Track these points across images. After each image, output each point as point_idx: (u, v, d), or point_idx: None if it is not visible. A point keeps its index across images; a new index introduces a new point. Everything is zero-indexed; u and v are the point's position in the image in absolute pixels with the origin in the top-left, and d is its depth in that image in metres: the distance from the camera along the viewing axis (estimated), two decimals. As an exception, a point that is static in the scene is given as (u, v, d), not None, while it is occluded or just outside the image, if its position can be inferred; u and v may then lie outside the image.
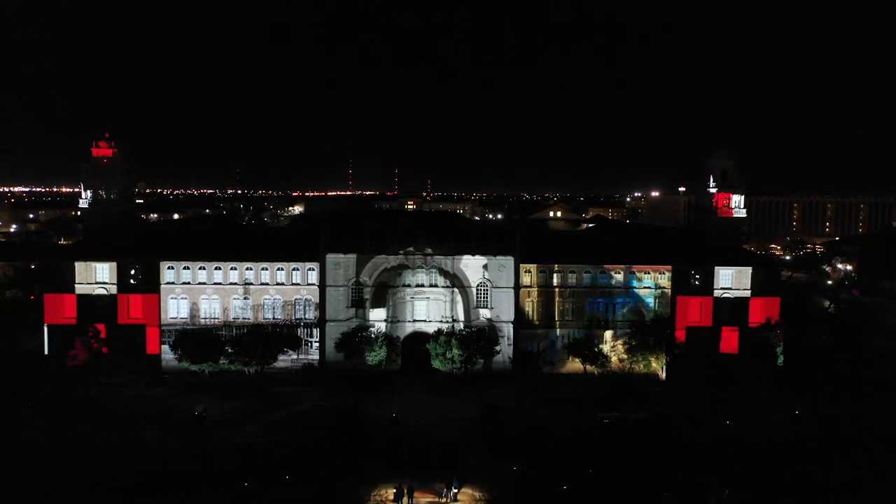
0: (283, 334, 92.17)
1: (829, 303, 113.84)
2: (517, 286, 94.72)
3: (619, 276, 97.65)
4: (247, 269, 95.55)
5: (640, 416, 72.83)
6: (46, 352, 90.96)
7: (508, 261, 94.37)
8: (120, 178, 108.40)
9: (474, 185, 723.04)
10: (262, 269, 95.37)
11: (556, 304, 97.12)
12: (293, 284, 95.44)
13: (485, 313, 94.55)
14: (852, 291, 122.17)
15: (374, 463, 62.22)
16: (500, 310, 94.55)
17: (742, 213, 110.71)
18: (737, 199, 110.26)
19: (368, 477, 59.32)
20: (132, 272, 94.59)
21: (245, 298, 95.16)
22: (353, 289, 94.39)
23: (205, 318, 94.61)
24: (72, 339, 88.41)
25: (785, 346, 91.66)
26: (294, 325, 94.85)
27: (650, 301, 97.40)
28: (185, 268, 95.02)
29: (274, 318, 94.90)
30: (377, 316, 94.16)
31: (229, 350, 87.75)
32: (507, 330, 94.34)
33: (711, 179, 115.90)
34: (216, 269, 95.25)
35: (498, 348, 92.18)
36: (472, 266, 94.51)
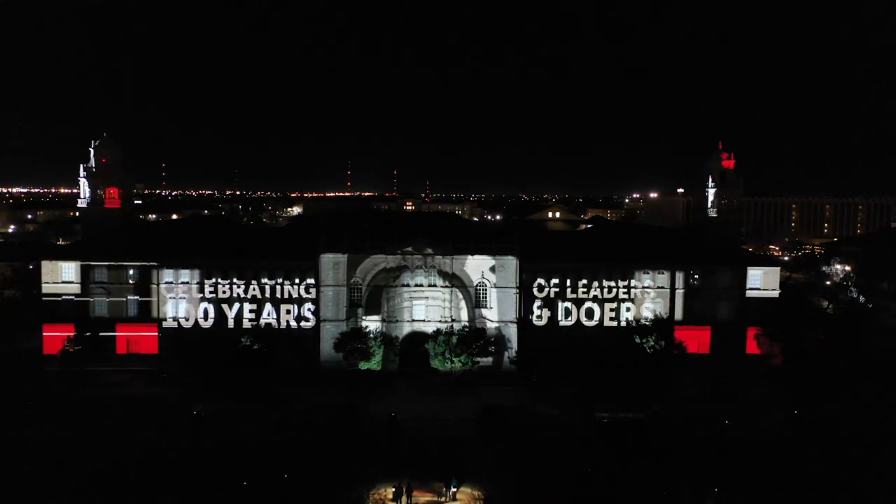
0: (282, 334, 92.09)
1: (827, 303, 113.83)
2: (519, 286, 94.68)
3: (618, 276, 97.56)
4: (246, 268, 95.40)
5: (638, 416, 72.82)
6: (44, 352, 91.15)
7: (509, 261, 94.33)
8: (119, 178, 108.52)
9: (473, 186, 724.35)
10: (262, 268, 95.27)
11: (557, 304, 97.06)
12: (292, 284, 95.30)
13: (486, 313, 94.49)
14: (850, 291, 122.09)
15: (373, 462, 62.09)
16: (501, 310, 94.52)
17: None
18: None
19: (367, 476, 59.18)
20: (130, 272, 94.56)
21: (244, 298, 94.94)
22: (351, 289, 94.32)
23: (203, 318, 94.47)
24: (70, 340, 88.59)
25: (784, 346, 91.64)
26: (293, 326, 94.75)
27: (649, 301, 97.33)
28: (183, 268, 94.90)
29: (273, 318, 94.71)
30: (375, 316, 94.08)
31: (228, 353, 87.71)
32: (508, 330, 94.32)
33: (710, 180, 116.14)
34: (215, 268, 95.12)
35: (493, 348, 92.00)
36: (471, 266, 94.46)
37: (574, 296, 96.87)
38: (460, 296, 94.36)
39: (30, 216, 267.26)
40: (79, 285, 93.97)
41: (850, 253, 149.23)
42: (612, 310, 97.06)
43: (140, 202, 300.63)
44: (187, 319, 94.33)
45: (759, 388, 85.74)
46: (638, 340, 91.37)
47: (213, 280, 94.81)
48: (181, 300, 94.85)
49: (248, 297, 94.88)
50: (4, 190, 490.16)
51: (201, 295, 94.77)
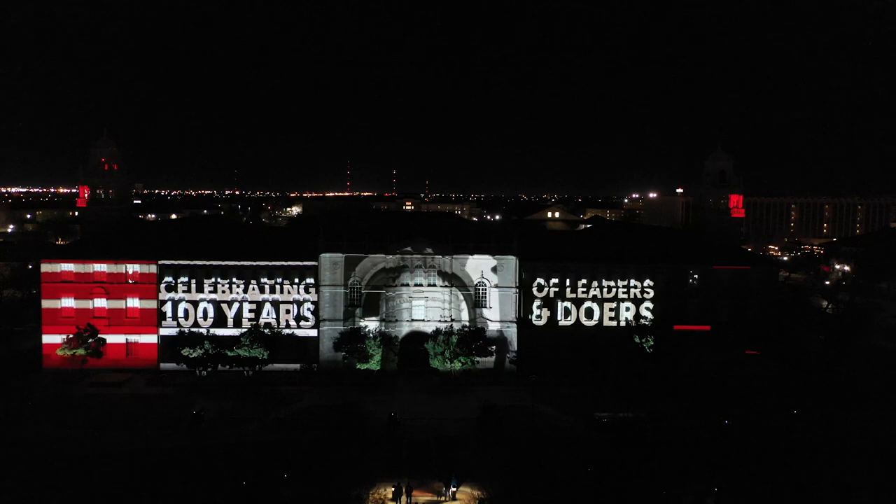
0: (281, 334, 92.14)
1: (827, 303, 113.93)
2: (519, 286, 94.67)
3: (618, 276, 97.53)
4: (245, 268, 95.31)
5: (637, 416, 72.86)
6: (44, 351, 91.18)
7: (509, 260, 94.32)
8: (118, 177, 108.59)
9: (472, 186, 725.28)
10: (261, 268, 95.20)
11: (556, 303, 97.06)
12: (292, 284, 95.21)
13: (486, 313, 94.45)
14: (849, 291, 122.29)
15: (373, 462, 62.18)
16: (501, 310, 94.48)
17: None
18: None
19: (367, 475, 59.24)
20: (130, 272, 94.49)
21: (244, 298, 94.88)
22: (350, 289, 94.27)
23: (203, 318, 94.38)
24: (69, 339, 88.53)
25: (783, 346, 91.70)
26: (292, 326, 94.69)
27: (649, 300, 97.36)
28: (183, 267, 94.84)
29: (272, 318, 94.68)
30: (374, 316, 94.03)
31: (228, 353, 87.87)
32: (508, 330, 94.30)
33: (709, 180, 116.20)
34: (214, 268, 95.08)
35: (493, 348, 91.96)
36: (471, 266, 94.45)
37: (574, 296, 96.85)
38: (460, 296, 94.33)
39: (29, 216, 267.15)
40: (78, 285, 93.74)
41: (849, 253, 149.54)
42: (611, 309, 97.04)
43: (139, 202, 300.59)
44: (187, 319, 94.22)
45: (759, 388, 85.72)
46: (638, 340, 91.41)
47: (213, 280, 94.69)
48: (180, 299, 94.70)
49: (248, 297, 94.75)
50: (4, 190, 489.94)
51: (201, 294, 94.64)
